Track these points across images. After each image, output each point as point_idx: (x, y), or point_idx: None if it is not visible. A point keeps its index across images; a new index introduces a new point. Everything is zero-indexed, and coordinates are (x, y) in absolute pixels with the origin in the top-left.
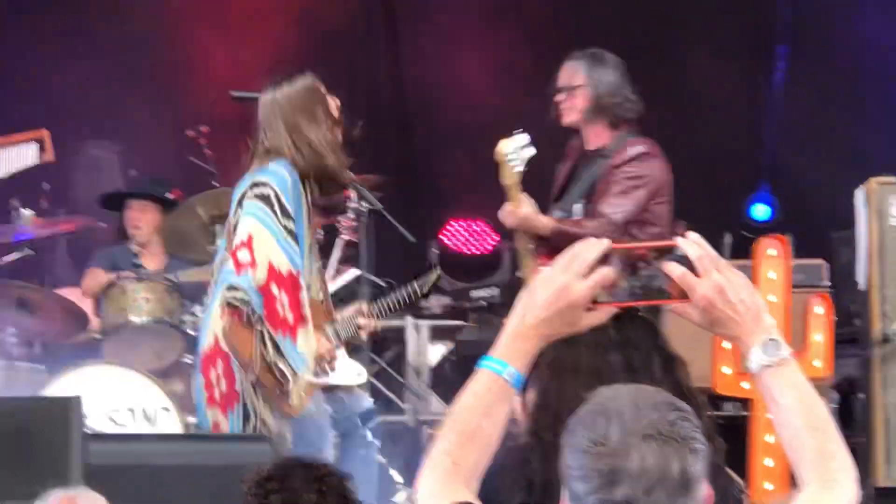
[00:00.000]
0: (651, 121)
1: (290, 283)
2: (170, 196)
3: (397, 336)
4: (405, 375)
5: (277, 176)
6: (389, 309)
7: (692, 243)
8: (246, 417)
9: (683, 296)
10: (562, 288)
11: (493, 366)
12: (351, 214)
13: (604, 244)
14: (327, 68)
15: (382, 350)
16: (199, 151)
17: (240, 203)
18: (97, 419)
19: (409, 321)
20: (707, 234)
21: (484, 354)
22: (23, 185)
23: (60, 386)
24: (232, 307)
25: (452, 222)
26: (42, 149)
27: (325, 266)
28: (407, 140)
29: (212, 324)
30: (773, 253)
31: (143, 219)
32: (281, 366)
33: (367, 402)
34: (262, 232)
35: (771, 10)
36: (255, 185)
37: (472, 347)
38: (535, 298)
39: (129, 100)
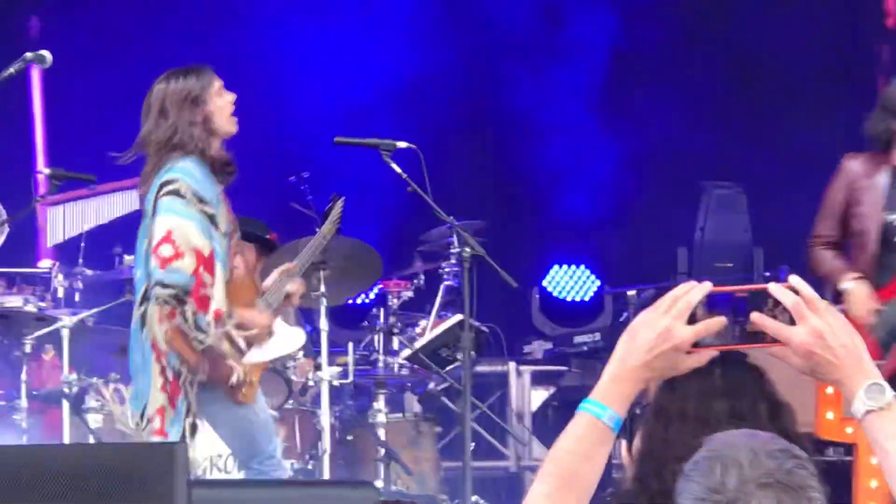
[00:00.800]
0: None
1: (212, 265)
2: (267, 237)
3: (499, 381)
4: (507, 421)
5: (184, 171)
6: (309, 258)
7: (783, 289)
8: (187, 412)
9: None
10: (664, 331)
11: (592, 409)
12: (453, 260)
13: (706, 287)
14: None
15: (484, 395)
16: (301, 197)
17: (154, 209)
18: (201, 465)
19: (511, 366)
20: None
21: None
22: (125, 230)
23: None
24: (168, 305)
25: (555, 267)
26: None
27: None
28: (510, 183)
29: (149, 322)
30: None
31: (238, 258)
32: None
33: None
34: (180, 223)
35: None
36: (163, 185)
37: (574, 393)
38: (637, 341)
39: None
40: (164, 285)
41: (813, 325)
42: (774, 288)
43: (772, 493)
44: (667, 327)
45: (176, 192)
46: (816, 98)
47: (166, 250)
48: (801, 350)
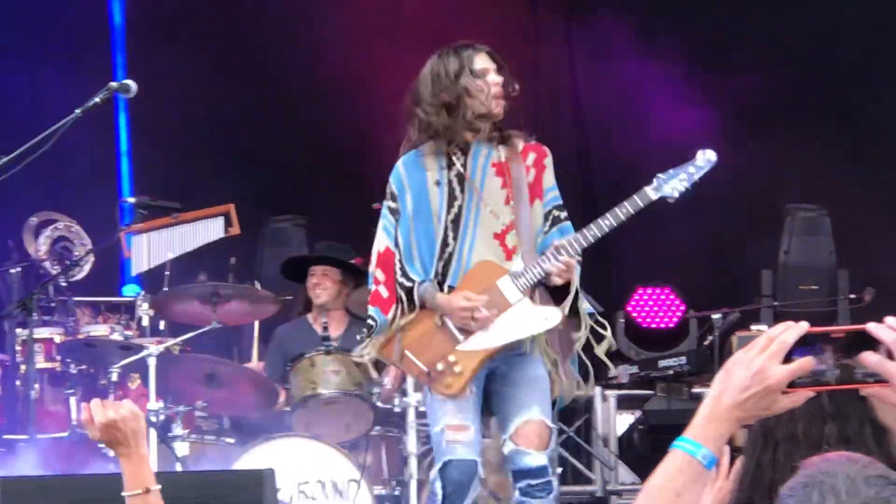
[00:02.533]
0: None
1: (385, 260)
2: (352, 262)
3: (585, 405)
4: (593, 445)
5: (392, 170)
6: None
7: (882, 328)
8: None
9: (881, 380)
10: (759, 371)
11: (686, 447)
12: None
13: (802, 327)
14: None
15: (570, 420)
16: None
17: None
18: (288, 492)
19: (597, 391)
20: None
21: (672, 425)
22: (210, 259)
23: (250, 459)
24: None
25: (640, 291)
26: (228, 223)
27: None
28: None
29: None
30: None
31: (323, 283)
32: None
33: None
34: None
35: None
36: None
37: (660, 417)
38: (733, 381)
39: (314, 172)
40: None
41: None
42: (874, 327)
43: None
44: (761, 367)
45: None
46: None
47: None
48: None
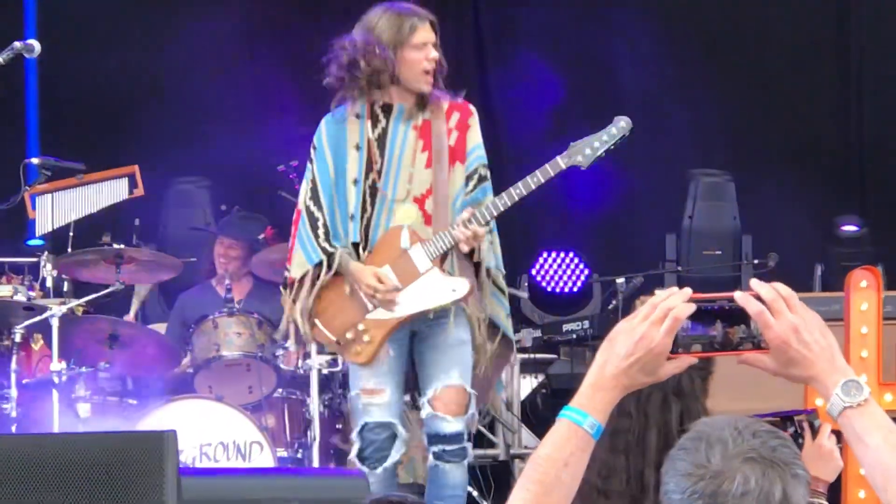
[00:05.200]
0: None
1: (296, 218)
2: (261, 238)
3: None
4: (496, 408)
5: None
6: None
7: (749, 297)
8: None
9: (759, 346)
10: (642, 338)
11: (573, 416)
12: None
13: (685, 293)
14: None
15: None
16: (289, 186)
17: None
18: (190, 454)
19: None
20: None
21: (575, 389)
22: (114, 220)
23: (153, 421)
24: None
25: (544, 255)
26: (133, 184)
27: None
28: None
29: None
30: (864, 284)
31: (228, 254)
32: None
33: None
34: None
35: None
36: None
37: (563, 381)
38: (616, 348)
39: (216, 133)
40: None
41: (789, 319)
42: (740, 296)
43: (757, 467)
44: (643, 334)
45: None
46: (800, 82)
47: None
48: (776, 342)
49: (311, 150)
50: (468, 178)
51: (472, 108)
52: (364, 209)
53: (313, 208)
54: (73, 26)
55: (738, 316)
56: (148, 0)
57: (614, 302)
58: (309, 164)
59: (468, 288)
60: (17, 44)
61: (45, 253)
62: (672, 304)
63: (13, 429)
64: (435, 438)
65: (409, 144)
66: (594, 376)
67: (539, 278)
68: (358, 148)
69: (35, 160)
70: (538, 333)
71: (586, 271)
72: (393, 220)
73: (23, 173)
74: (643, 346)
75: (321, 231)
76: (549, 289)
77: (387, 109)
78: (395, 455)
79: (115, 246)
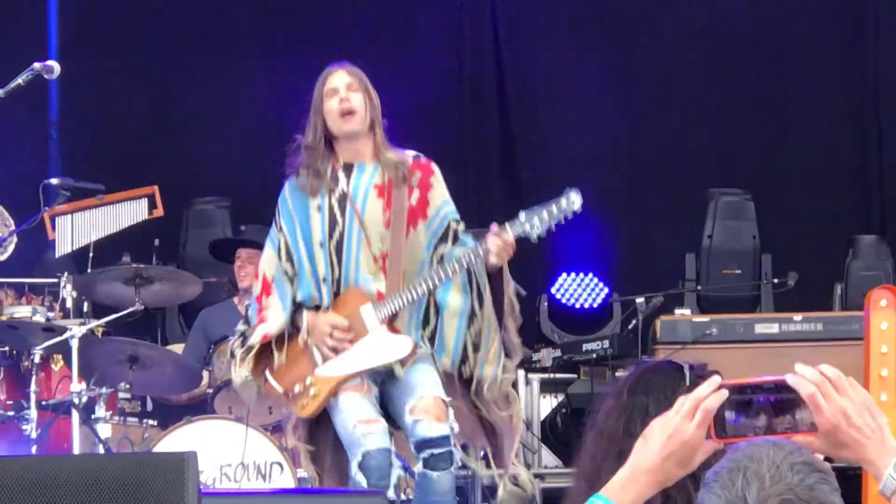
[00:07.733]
0: None
1: (266, 287)
2: None
3: None
4: None
5: (280, 194)
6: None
7: (800, 380)
8: None
9: (808, 428)
10: (674, 432)
11: None
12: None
13: (714, 381)
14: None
15: None
16: None
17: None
18: (211, 474)
19: (519, 374)
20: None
21: (594, 408)
22: (134, 241)
23: (172, 442)
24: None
25: (563, 274)
26: (152, 204)
27: None
28: (520, 191)
29: None
30: (884, 304)
31: (247, 267)
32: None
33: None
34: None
35: None
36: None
37: (583, 400)
38: (650, 445)
39: (236, 153)
40: None
41: (839, 403)
42: (792, 379)
43: None
44: (676, 427)
45: None
46: (820, 101)
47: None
48: (826, 427)
49: (277, 215)
50: (443, 237)
51: (434, 166)
52: (332, 271)
53: (286, 267)
54: (95, 47)
55: (782, 407)
56: (169, 22)
57: (634, 321)
58: (274, 228)
59: (410, 347)
60: (36, 65)
61: (66, 273)
62: (701, 394)
63: (33, 450)
64: (422, 444)
65: (371, 203)
66: (630, 470)
67: (559, 297)
68: (319, 209)
69: (55, 181)
70: (558, 353)
71: (606, 290)
72: (359, 280)
73: (42, 194)
74: (676, 440)
75: (289, 298)
76: (568, 308)
77: (347, 169)
78: (393, 478)
79: (135, 265)
